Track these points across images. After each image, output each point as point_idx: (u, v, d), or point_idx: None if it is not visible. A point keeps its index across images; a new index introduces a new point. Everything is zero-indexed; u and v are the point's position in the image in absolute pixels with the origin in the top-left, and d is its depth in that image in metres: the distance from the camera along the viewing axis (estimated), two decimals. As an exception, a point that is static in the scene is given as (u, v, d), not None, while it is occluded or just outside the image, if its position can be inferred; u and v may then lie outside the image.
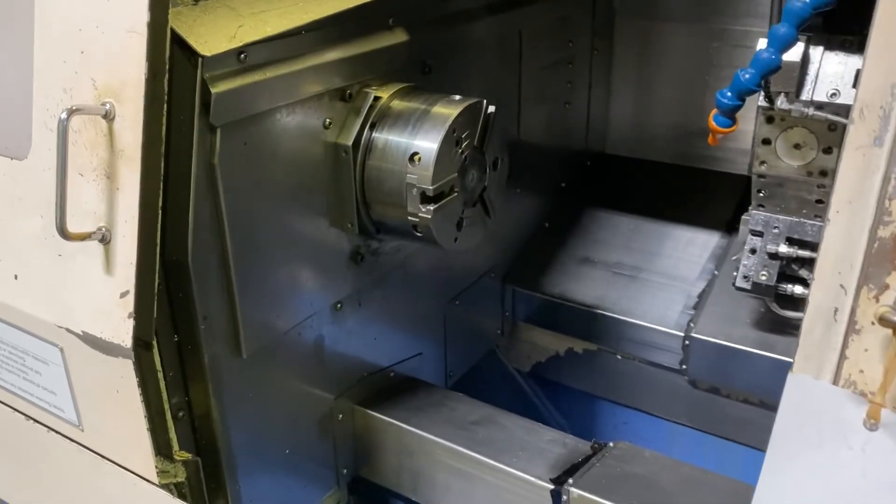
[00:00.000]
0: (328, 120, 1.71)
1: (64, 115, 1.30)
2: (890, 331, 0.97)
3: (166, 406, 1.51)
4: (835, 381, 1.01)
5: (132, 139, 1.32)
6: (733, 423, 2.48)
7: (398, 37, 1.83)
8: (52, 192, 1.35)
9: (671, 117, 2.93)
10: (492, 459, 1.89)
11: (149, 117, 1.31)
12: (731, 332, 2.35)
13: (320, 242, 1.79)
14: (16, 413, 1.75)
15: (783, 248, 2.05)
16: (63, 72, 1.38)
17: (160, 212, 1.36)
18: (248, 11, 1.50)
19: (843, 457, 1.00)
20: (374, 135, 1.74)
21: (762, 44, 1.61)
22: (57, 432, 1.68)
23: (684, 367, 2.46)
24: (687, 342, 2.41)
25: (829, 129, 1.89)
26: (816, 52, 1.78)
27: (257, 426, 1.74)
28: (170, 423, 1.52)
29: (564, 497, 1.78)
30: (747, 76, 1.59)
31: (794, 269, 2.09)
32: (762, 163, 2.00)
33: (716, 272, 2.58)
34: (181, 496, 1.57)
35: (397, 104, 1.77)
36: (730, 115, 1.66)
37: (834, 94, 1.77)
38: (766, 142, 1.97)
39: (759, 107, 1.89)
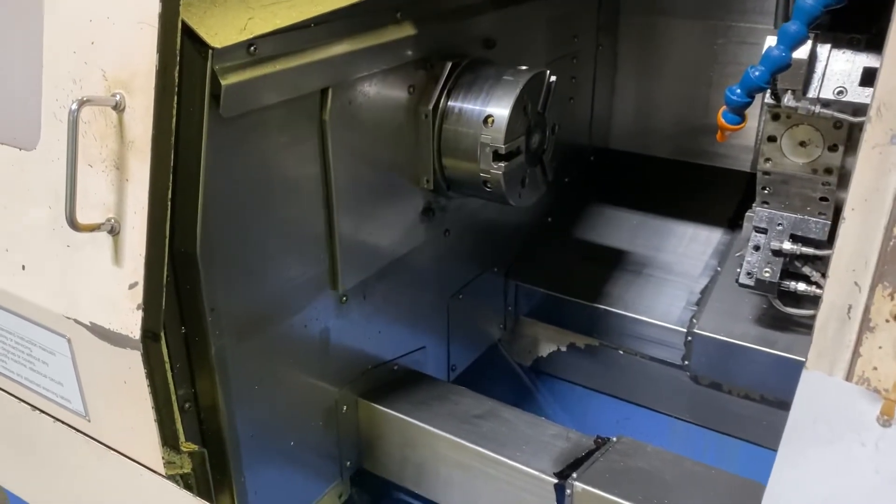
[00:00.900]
0: (412, 86, 1.93)
1: (74, 106, 1.29)
2: (903, 329, 0.98)
3: (173, 397, 1.51)
4: (848, 378, 1.02)
5: (142, 130, 1.31)
6: (735, 420, 2.49)
7: (405, 30, 1.83)
8: (61, 183, 1.35)
9: (675, 113, 2.93)
10: (495, 453, 1.90)
11: (159, 109, 1.30)
12: (734, 328, 2.35)
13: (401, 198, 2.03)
14: (22, 403, 1.74)
15: (787, 245, 2.05)
16: (73, 62, 1.38)
17: (170, 203, 1.36)
18: (258, 4, 1.50)
19: (856, 453, 1.01)
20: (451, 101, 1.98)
21: (771, 41, 1.61)
22: (63, 423, 1.68)
23: (686, 362, 2.46)
24: (689, 338, 2.42)
25: (835, 126, 1.89)
26: (824, 49, 1.78)
27: (263, 418, 1.74)
28: (176, 415, 1.52)
29: (568, 491, 1.79)
30: (757, 73, 1.59)
31: (798, 266, 2.10)
32: (767, 160, 2.00)
33: (719, 268, 2.58)
34: (187, 487, 1.57)
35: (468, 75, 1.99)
36: (739, 111, 1.66)
37: (840, 92, 1.77)
38: (772, 139, 1.97)
39: (765, 104, 1.89)
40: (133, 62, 1.31)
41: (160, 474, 1.54)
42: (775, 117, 1.94)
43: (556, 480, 1.81)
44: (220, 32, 1.39)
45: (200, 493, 1.60)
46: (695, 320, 2.43)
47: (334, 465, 2.03)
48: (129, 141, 1.33)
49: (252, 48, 1.45)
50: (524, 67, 2.00)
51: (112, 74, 1.33)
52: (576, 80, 2.76)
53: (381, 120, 1.88)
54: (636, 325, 2.55)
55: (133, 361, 1.43)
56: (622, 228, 2.81)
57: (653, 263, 2.68)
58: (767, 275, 2.08)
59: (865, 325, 1.01)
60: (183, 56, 1.32)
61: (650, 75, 2.95)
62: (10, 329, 1.65)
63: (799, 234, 2.06)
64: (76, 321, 1.48)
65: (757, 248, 2.11)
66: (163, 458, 1.52)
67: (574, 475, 1.80)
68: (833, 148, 1.92)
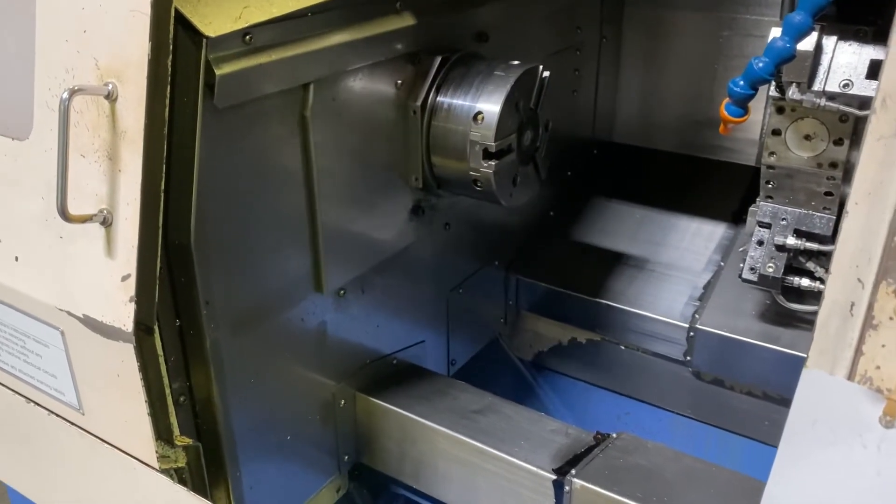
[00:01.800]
0: (399, 81, 1.87)
1: (66, 95, 1.27)
2: (907, 326, 0.95)
3: (167, 391, 1.49)
4: (850, 377, 0.99)
5: (135, 120, 1.29)
6: (736, 415, 2.47)
7: (405, 20, 1.81)
8: (54, 174, 1.33)
9: (679, 106, 2.90)
10: (494, 449, 1.88)
11: (152, 98, 1.28)
12: (737, 324, 2.33)
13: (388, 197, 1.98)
14: (16, 395, 1.73)
15: (791, 241, 2.03)
16: (65, 51, 1.36)
17: (163, 194, 1.34)
18: (253, -8, 1.47)
19: (858, 455, 0.98)
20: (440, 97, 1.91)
21: (776, 32, 1.59)
22: (57, 415, 1.67)
23: (688, 358, 2.45)
24: (691, 333, 2.40)
25: (841, 120, 1.87)
26: (829, 41, 1.75)
27: (259, 412, 1.73)
28: (171, 408, 1.51)
29: (567, 487, 1.77)
30: (761, 65, 1.56)
31: (802, 261, 2.08)
32: (771, 154, 1.98)
33: (722, 263, 2.56)
34: (181, 481, 1.55)
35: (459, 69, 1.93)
36: (742, 104, 1.64)
37: (846, 85, 1.75)
38: (776, 132, 1.94)
39: (769, 97, 1.86)
40: (126, 51, 1.29)
41: (154, 468, 1.52)
42: (780, 110, 1.91)
43: (554, 477, 1.79)
44: (214, 21, 1.36)
45: (195, 488, 1.58)
46: (697, 315, 2.41)
47: (332, 459, 2.02)
48: (122, 131, 1.31)
49: (247, 37, 1.43)
50: (516, 62, 1.93)
51: (105, 63, 1.31)
52: (579, 72, 2.74)
53: (368, 116, 1.82)
54: (638, 320, 2.53)
55: (126, 354, 1.42)
56: (625, 223, 2.79)
57: (655, 258, 2.66)
58: (771, 270, 2.06)
59: (868, 323, 0.98)
60: (177, 45, 1.30)
61: (654, 68, 2.92)
62: (4, 321, 1.64)
63: (803, 229, 2.04)
64: (69, 313, 1.47)
65: (761, 243, 2.09)
66: (157, 451, 1.50)
67: (573, 471, 1.79)
68: (838, 142, 1.90)
